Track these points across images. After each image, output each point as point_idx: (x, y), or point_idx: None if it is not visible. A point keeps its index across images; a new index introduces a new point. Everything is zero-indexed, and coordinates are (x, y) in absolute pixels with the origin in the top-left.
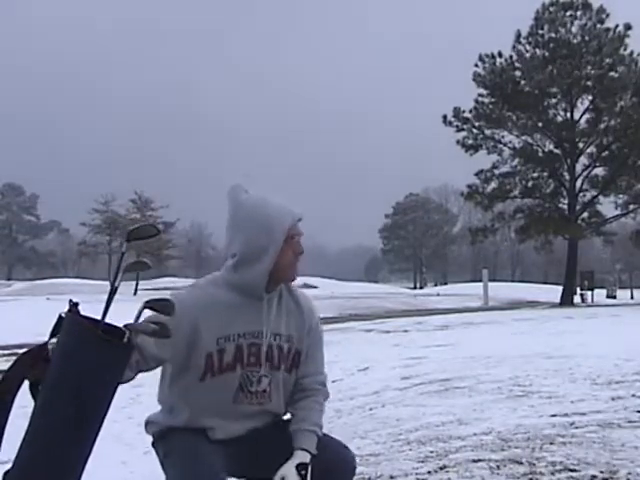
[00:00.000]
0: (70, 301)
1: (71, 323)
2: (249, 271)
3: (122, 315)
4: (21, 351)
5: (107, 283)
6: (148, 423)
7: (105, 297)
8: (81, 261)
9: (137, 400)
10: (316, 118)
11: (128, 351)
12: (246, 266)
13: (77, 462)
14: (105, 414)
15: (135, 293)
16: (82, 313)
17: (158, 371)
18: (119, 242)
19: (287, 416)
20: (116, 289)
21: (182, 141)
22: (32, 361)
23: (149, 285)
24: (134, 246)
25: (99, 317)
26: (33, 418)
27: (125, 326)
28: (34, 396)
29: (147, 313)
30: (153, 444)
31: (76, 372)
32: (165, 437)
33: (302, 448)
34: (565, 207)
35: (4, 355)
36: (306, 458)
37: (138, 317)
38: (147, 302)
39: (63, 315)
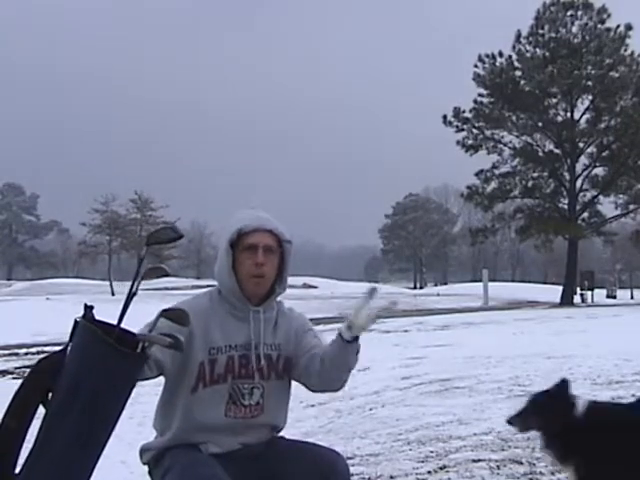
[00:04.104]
0: (85, 305)
1: (84, 330)
2: (219, 273)
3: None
4: (21, 351)
5: (107, 283)
6: (142, 452)
7: (107, 297)
8: (81, 261)
9: (137, 400)
10: (316, 118)
11: (141, 361)
12: (217, 272)
13: (86, 468)
14: (116, 422)
15: (135, 293)
16: (97, 318)
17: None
18: (119, 242)
19: (282, 433)
20: (134, 294)
21: (183, 141)
22: (52, 368)
23: (149, 285)
24: (135, 246)
25: (114, 322)
26: (44, 424)
27: (140, 336)
28: (44, 403)
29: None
30: (149, 473)
31: (88, 380)
32: (160, 460)
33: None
34: (565, 207)
35: (4, 355)
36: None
37: (154, 325)
38: (164, 311)
39: (78, 320)
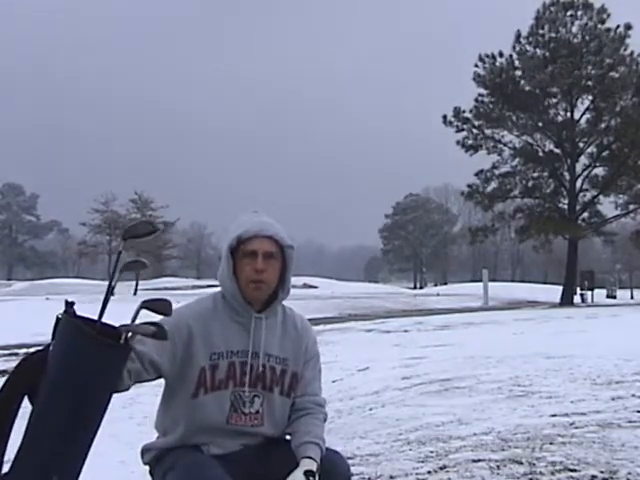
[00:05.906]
0: (66, 301)
1: (66, 325)
2: (221, 279)
3: (122, 316)
4: (21, 352)
5: (107, 283)
6: (143, 452)
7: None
8: (81, 261)
9: (137, 400)
10: (316, 119)
11: (125, 352)
12: (219, 277)
13: (74, 465)
14: (102, 416)
15: (135, 293)
16: (78, 313)
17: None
18: (119, 242)
19: (286, 437)
20: (113, 288)
21: (182, 141)
22: (35, 366)
23: (149, 285)
24: (135, 246)
25: (95, 317)
26: (30, 422)
27: (122, 327)
28: (31, 399)
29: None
30: (150, 472)
31: (73, 374)
32: (161, 460)
33: (308, 456)
34: (565, 207)
35: (4, 355)
36: (313, 466)
37: (135, 317)
38: (144, 302)
39: (60, 316)
